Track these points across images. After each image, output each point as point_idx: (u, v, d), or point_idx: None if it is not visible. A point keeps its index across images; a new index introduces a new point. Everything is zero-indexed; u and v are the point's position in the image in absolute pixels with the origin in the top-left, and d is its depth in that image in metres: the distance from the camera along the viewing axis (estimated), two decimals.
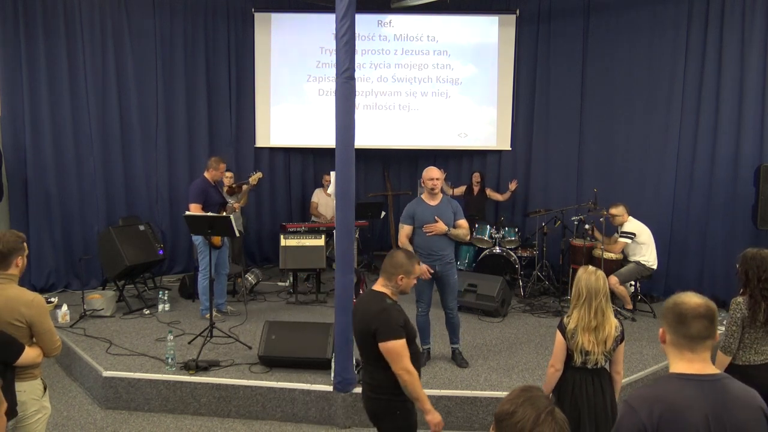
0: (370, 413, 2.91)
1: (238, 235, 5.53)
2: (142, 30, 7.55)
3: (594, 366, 2.97)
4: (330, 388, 4.27)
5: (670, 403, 1.75)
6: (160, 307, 6.22)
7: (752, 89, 6.51)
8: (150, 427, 4.23)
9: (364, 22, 7.72)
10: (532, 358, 5.00)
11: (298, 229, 6.91)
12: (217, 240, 5.59)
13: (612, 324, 2.97)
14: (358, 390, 4.24)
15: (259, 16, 8.38)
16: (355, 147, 4.13)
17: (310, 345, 4.66)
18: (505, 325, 6.03)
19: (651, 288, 6.99)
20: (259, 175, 6.45)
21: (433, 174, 4.69)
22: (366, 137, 7.98)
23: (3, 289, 2.74)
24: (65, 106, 7.05)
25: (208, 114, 8.16)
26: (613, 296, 6.28)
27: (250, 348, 5.03)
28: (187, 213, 5.51)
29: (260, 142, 8.60)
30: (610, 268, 6.24)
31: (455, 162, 8.96)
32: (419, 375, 2.85)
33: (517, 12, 8.21)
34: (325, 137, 7.75)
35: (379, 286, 2.88)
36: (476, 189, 8.01)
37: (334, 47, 4.12)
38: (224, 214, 5.63)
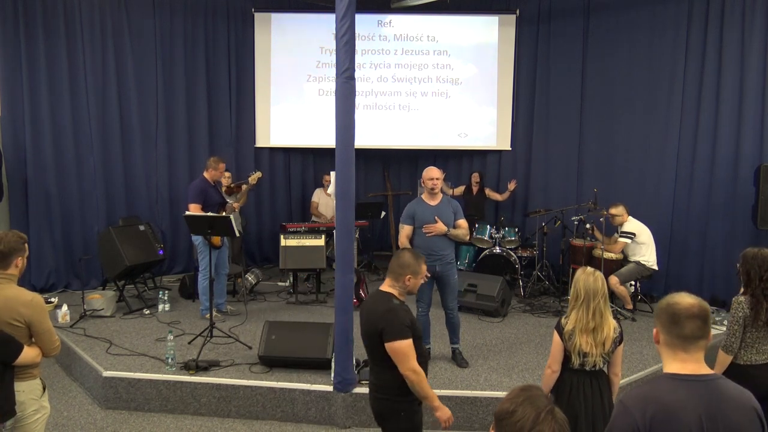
0: (375, 413, 2.91)
1: (237, 235, 5.53)
2: (142, 30, 7.55)
3: (592, 368, 2.95)
4: (330, 388, 4.27)
5: (664, 404, 1.75)
6: (160, 307, 6.22)
7: (752, 89, 6.51)
8: (150, 427, 4.23)
9: (364, 22, 7.73)
10: (532, 358, 5.00)
11: (298, 229, 6.91)
12: (216, 240, 5.59)
13: (610, 325, 2.94)
14: (358, 390, 4.24)
15: (259, 16, 8.38)
16: (355, 147, 4.13)
17: (310, 345, 4.66)
18: (505, 325, 6.03)
19: (651, 288, 6.99)
20: (258, 174, 6.44)
21: (433, 174, 4.69)
22: (366, 137, 7.98)
23: (2, 289, 2.75)
24: (65, 106, 7.05)
25: (208, 114, 8.16)
26: (613, 296, 6.28)
27: (250, 348, 5.03)
28: (187, 213, 5.51)
29: (260, 142, 8.60)
30: (610, 268, 6.24)
31: (455, 162, 8.96)
32: (426, 374, 2.85)
33: (517, 12, 8.21)
34: (325, 137, 7.75)
35: (386, 286, 2.87)
36: (475, 189, 8.01)
37: (334, 47, 4.12)
38: (224, 214, 5.63)
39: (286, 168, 8.97)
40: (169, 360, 4.61)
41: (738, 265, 3.39)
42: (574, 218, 6.95)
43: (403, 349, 2.67)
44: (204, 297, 5.79)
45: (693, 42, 6.91)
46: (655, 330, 1.92)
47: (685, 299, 1.85)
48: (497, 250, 7.23)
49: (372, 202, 8.28)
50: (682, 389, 1.78)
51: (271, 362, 4.65)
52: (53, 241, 7.08)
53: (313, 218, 8.18)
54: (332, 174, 4.72)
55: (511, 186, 8.02)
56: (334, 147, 4.10)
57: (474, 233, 7.38)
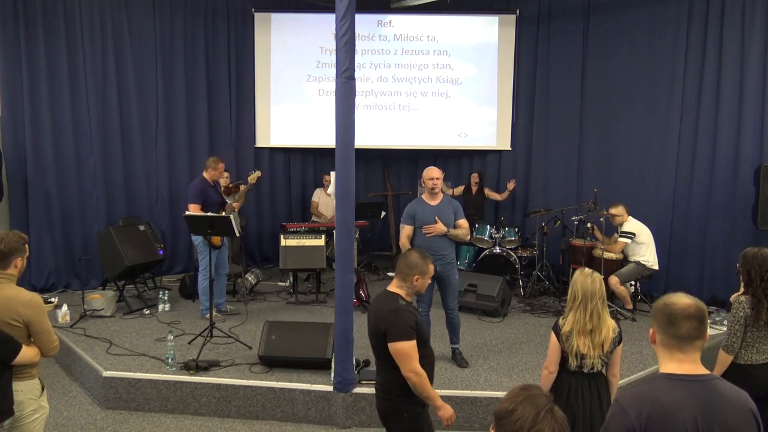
0: (379, 413, 2.92)
1: (238, 235, 5.53)
2: (142, 30, 7.55)
3: (590, 370, 2.92)
4: (330, 388, 4.27)
5: (659, 404, 1.75)
6: (160, 307, 6.22)
7: (752, 89, 6.51)
8: (150, 427, 4.23)
9: (364, 22, 7.72)
10: (532, 358, 5.00)
11: (298, 229, 6.91)
12: (216, 240, 5.59)
13: (609, 327, 2.91)
14: (358, 390, 4.24)
15: (259, 16, 8.38)
16: (355, 147, 4.13)
17: (310, 345, 4.66)
18: (505, 325, 6.03)
19: (651, 288, 6.99)
20: (258, 173, 6.43)
21: (433, 174, 4.69)
22: (366, 137, 7.98)
23: (1, 289, 2.75)
24: (65, 106, 7.05)
25: (208, 114, 8.16)
26: (614, 296, 6.28)
27: (250, 348, 5.03)
28: (187, 213, 5.51)
29: (260, 142, 8.60)
30: (611, 268, 6.24)
31: (455, 162, 8.96)
32: (432, 375, 2.85)
33: (517, 12, 8.21)
34: (325, 137, 7.75)
35: (393, 287, 2.87)
36: (475, 189, 8.02)
37: (334, 47, 4.12)
38: (224, 213, 5.63)
39: (286, 168, 8.97)
40: (169, 360, 4.61)
41: (738, 264, 3.39)
42: (574, 218, 6.95)
43: (405, 350, 2.67)
44: (204, 297, 5.79)
45: (693, 42, 6.91)
46: (651, 330, 1.92)
47: (682, 299, 1.85)
48: (497, 250, 7.23)
49: (372, 202, 8.28)
50: (678, 389, 1.78)
51: (271, 362, 4.65)
52: (53, 241, 7.08)
53: (313, 218, 8.18)
54: (332, 174, 4.72)
55: (510, 186, 8.02)
56: (334, 147, 4.10)
57: (474, 233, 7.38)
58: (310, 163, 9.15)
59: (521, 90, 8.34)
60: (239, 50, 8.38)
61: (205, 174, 5.95)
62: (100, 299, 6.09)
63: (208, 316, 5.32)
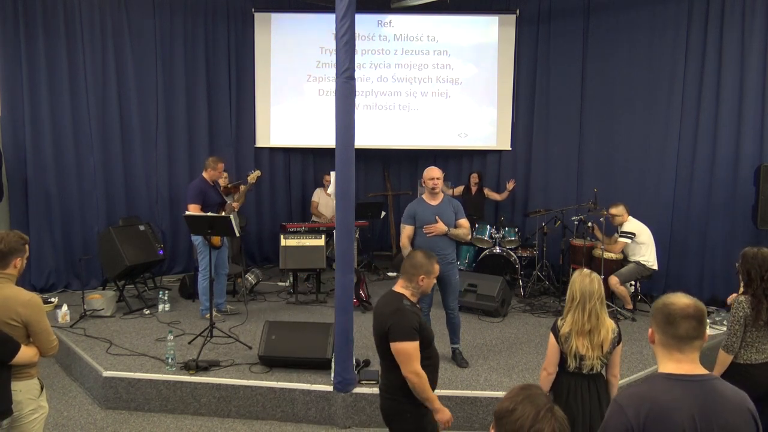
0: (383, 413, 2.92)
1: (238, 234, 5.53)
2: (142, 30, 7.55)
3: (589, 371, 2.90)
4: (330, 388, 4.27)
5: (658, 403, 1.75)
6: (160, 307, 6.22)
7: (752, 89, 6.51)
8: (150, 427, 4.22)
9: (364, 22, 7.73)
10: (532, 358, 5.00)
11: (298, 229, 6.91)
12: (216, 240, 5.59)
13: (608, 327, 2.89)
14: (358, 390, 4.24)
15: (259, 16, 8.38)
16: (355, 147, 4.13)
17: (310, 345, 4.66)
18: (505, 325, 6.03)
19: (651, 288, 6.99)
20: (257, 173, 6.41)
21: (433, 173, 4.69)
22: (366, 137, 7.98)
23: (0, 289, 2.75)
24: (65, 106, 7.05)
25: (208, 114, 8.16)
26: (614, 296, 6.28)
27: (250, 348, 5.03)
28: (187, 213, 5.51)
29: (260, 142, 8.60)
30: (611, 268, 6.24)
31: (455, 162, 8.96)
32: (437, 377, 2.85)
33: (517, 12, 8.21)
34: (325, 137, 7.75)
35: (399, 287, 2.88)
36: (474, 189, 8.02)
37: (334, 47, 4.12)
38: (224, 213, 5.63)
39: (286, 168, 8.97)
40: (169, 360, 4.61)
41: (737, 264, 3.39)
42: (574, 218, 6.95)
43: (407, 350, 2.67)
44: (204, 297, 5.79)
45: (693, 42, 6.91)
46: (650, 330, 1.93)
47: (681, 299, 1.85)
48: (497, 250, 7.23)
49: (372, 202, 8.28)
50: (676, 389, 1.78)
51: (271, 362, 4.65)
52: (53, 241, 7.08)
53: (313, 218, 8.18)
54: (332, 174, 4.71)
55: (510, 186, 8.03)
56: (334, 147, 4.10)
57: (474, 233, 7.38)
58: (310, 163, 9.15)
59: (521, 90, 8.34)
60: (239, 50, 8.38)
61: (204, 174, 5.95)
62: (100, 299, 6.09)
63: (208, 316, 5.32)
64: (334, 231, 4.63)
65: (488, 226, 7.50)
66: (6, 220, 6.85)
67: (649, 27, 7.23)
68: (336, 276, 4.17)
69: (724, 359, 3.33)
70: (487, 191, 8.10)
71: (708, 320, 1.90)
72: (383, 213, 8.28)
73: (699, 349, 1.85)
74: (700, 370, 1.83)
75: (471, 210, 7.70)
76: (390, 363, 2.76)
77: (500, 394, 4.14)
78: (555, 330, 2.96)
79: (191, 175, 7.71)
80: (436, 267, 2.90)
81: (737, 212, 6.63)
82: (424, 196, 4.80)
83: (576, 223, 6.92)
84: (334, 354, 4.27)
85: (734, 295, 3.45)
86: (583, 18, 7.78)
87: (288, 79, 8.50)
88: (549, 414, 1.48)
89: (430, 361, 2.79)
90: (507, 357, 5.05)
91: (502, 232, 7.40)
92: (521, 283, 7.14)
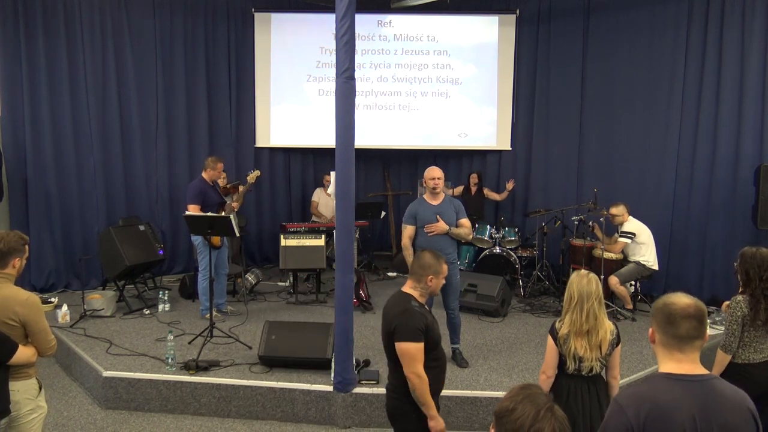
0: (388, 413, 2.93)
1: (238, 235, 5.53)
2: (142, 30, 7.55)
3: (589, 373, 2.88)
4: (330, 388, 4.27)
5: (658, 403, 1.75)
6: (160, 307, 6.22)
7: (752, 89, 6.51)
8: (150, 427, 4.22)
9: (364, 22, 7.73)
10: (532, 358, 5.00)
11: (298, 229, 6.91)
12: (216, 240, 5.58)
13: (606, 328, 2.88)
14: (358, 390, 4.25)
15: (259, 16, 8.38)
16: (355, 147, 4.13)
17: (310, 345, 4.65)
18: (505, 325, 6.03)
19: (651, 288, 6.99)
20: (256, 173, 6.40)
21: (434, 173, 4.69)
22: (366, 137, 7.98)
23: None
24: (65, 106, 7.05)
25: (208, 114, 8.16)
26: (614, 296, 6.28)
27: (250, 348, 5.03)
28: (187, 213, 5.51)
29: (260, 142, 8.60)
30: (610, 268, 6.24)
31: (455, 162, 8.96)
32: (444, 379, 2.86)
33: (517, 12, 8.21)
34: (325, 137, 7.75)
35: (407, 287, 2.88)
36: (474, 189, 8.02)
37: (334, 47, 4.12)
38: (224, 213, 5.63)
39: (286, 168, 8.97)
40: (169, 360, 4.61)
41: (735, 264, 3.39)
42: (574, 218, 6.95)
43: (410, 351, 2.67)
44: (204, 297, 5.79)
45: (693, 42, 6.91)
46: (651, 330, 1.93)
47: (682, 299, 1.85)
48: (497, 250, 7.23)
49: (372, 202, 8.28)
50: (677, 389, 1.78)
51: (271, 362, 4.65)
52: (53, 241, 7.08)
53: (313, 218, 8.18)
54: (332, 174, 4.71)
55: (509, 186, 8.03)
56: (334, 147, 4.10)
57: (474, 233, 7.38)
58: (310, 163, 9.15)
59: (521, 90, 8.34)
60: (239, 50, 8.38)
61: (204, 174, 5.95)
62: (100, 299, 6.09)
63: (208, 316, 5.32)
64: (334, 231, 4.63)
65: (488, 226, 7.50)
66: (6, 220, 6.85)
67: (649, 27, 7.23)
68: (336, 276, 4.17)
69: (722, 359, 3.33)
70: (486, 191, 8.10)
71: (708, 320, 1.90)
72: (383, 213, 8.28)
73: (699, 349, 1.85)
74: (701, 370, 1.83)
75: (471, 210, 7.67)
76: (396, 363, 2.76)
77: (500, 394, 4.14)
78: (553, 332, 2.94)
79: (191, 175, 7.71)
80: (445, 267, 2.91)
81: (737, 212, 6.63)
82: (425, 196, 4.80)
83: (576, 223, 6.92)
84: (334, 354, 4.27)
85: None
86: (583, 18, 7.78)
87: (288, 79, 8.51)
88: (549, 413, 1.48)
89: (437, 362, 2.80)
90: (507, 357, 5.05)
91: (502, 232, 7.41)
92: (521, 283, 7.14)
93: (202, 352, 4.79)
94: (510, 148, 8.44)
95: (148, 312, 6.14)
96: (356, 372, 4.34)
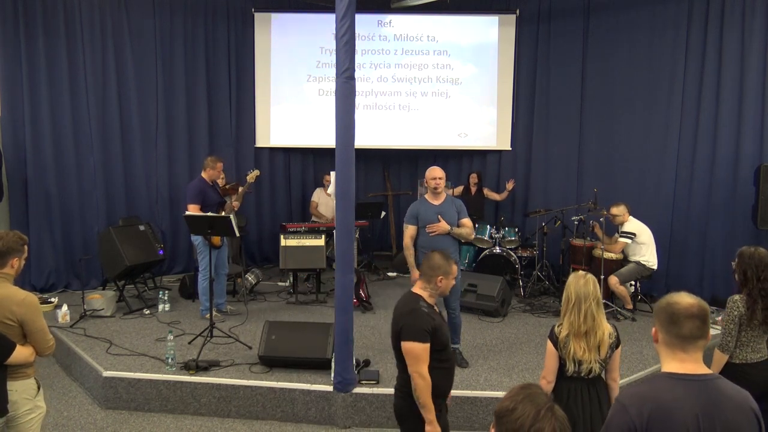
0: (395, 412, 2.93)
1: (238, 234, 5.53)
2: (142, 30, 7.55)
3: (588, 375, 2.87)
4: (330, 388, 4.27)
5: (661, 403, 1.75)
6: (160, 307, 6.22)
7: (752, 89, 6.51)
8: (150, 427, 4.22)
9: (364, 22, 7.73)
10: (532, 358, 5.00)
11: (298, 229, 6.91)
12: (216, 240, 5.58)
13: (605, 329, 2.86)
14: (358, 390, 4.25)
15: (259, 16, 8.38)
16: (355, 147, 4.13)
17: (310, 345, 4.65)
18: (505, 325, 6.03)
19: (651, 288, 6.99)
20: (256, 173, 6.38)
21: (436, 173, 4.69)
22: (366, 137, 7.98)
23: None
24: (65, 106, 7.05)
25: (208, 114, 8.16)
26: (613, 296, 6.28)
27: (250, 348, 5.02)
28: (187, 213, 5.51)
29: (260, 142, 8.60)
30: (611, 268, 6.23)
31: (455, 162, 8.96)
32: (452, 382, 2.87)
33: (517, 12, 8.21)
34: (325, 137, 7.75)
35: (417, 288, 2.89)
36: (474, 189, 8.02)
37: (334, 47, 4.12)
38: (223, 213, 5.63)
39: (286, 168, 8.97)
40: (169, 360, 4.61)
41: (733, 263, 3.39)
42: (574, 218, 6.95)
43: (415, 351, 2.67)
44: (204, 297, 5.79)
45: (693, 42, 6.91)
46: (654, 329, 1.92)
47: (685, 299, 1.85)
48: (497, 250, 7.23)
49: (372, 202, 8.28)
50: (679, 388, 1.78)
51: (271, 362, 4.65)
52: (53, 241, 7.08)
53: (313, 218, 8.18)
54: (332, 174, 4.71)
55: (509, 186, 8.03)
56: (334, 147, 4.10)
57: (474, 233, 7.38)
58: (310, 163, 9.15)
59: (521, 90, 8.34)
60: (239, 50, 8.38)
61: (203, 174, 5.95)
62: (100, 299, 6.09)
63: (208, 316, 5.32)
64: (334, 231, 4.63)
65: (488, 226, 7.50)
66: (6, 220, 6.85)
67: (649, 27, 7.23)
68: (336, 276, 4.17)
69: (719, 359, 3.33)
70: (486, 191, 8.10)
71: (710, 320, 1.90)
72: (383, 213, 8.27)
73: (702, 349, 1.85)
74: (704, 370, 1.83)
75: (471, 210, 7.61)
76: (404, 363, 2.77)
77: (500, 394, 4.14)
78: (552, 337, 2.92)
79: (191, 175, 7.71)
80: (455, 268, 2.91)
81: (737, 212, 6.64)
82: (426, 196, 4.80)
83: (576, 223, 6.91)
84: (334, 354, 4.27)
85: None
86: (583, 18, 7.78)
87: (288, 79, 8.51)
88: (549, 413, 1.47)
89: (445, 364, 2.80)
90: (507, 357, 5.05)
91: (502, 232, 7.41)
92: (521, 283, 7.14)
93: (202, 352, 4.79)
94: (510, 148, 8.44)
95: (148, 312, 6.14)
96: (356, 372, 4.35)
